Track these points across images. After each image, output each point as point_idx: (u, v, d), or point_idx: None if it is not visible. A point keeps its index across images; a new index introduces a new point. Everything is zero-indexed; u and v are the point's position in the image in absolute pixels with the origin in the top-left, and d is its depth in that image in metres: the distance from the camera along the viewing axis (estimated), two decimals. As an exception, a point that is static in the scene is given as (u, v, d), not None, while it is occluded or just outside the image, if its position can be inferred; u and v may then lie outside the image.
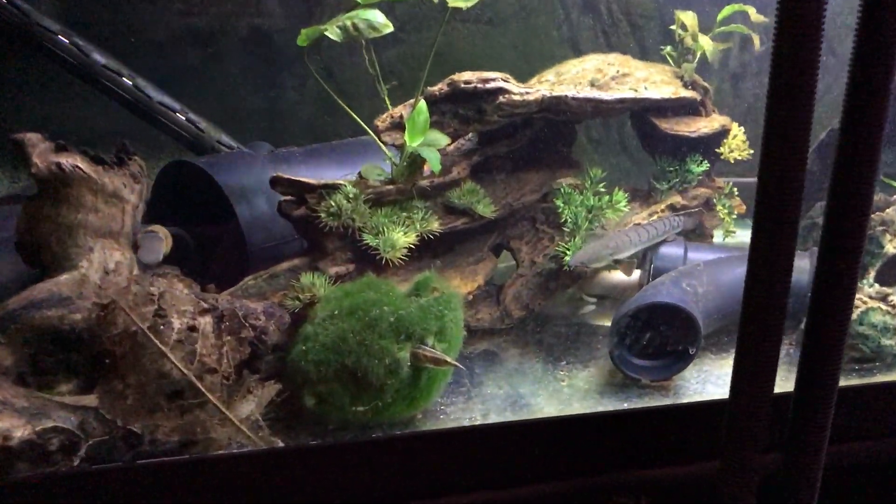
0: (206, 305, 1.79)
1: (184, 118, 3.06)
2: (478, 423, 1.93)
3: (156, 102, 2.99)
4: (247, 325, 1.78)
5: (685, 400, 2.13)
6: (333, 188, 2.11)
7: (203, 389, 1.65)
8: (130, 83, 2.95)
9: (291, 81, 3.43)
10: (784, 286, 1.32)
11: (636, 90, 2.54)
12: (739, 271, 2.46)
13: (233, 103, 3.42)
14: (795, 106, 1.17)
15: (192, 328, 1.73)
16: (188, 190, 2.50)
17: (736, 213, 3.22)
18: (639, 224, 2.67)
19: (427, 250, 2.35)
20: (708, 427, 1.65)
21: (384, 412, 1.82)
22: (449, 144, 2.38)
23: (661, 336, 2.22)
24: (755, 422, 1.34)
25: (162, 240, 1.75)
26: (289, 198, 2.13)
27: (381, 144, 2.31)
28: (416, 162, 2.21)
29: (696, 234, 3.14)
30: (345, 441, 1.74)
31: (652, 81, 2.64)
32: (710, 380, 2.24)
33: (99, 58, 2.90)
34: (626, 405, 2.08)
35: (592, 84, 2.55)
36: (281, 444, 1.70)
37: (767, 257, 1.27)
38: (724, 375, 2.24)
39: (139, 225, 1.82)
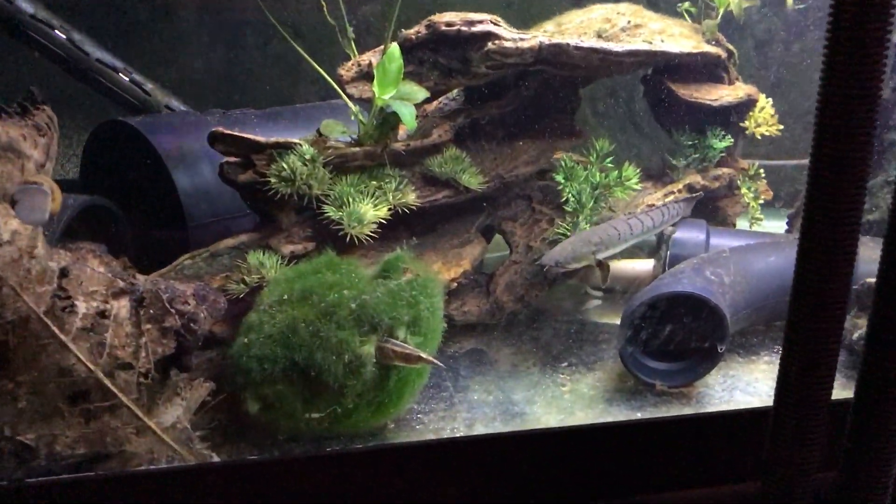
0: (122, 286, 1.55)
1: (127, 79, 2.85)
2: (461, 434, 1.79)
3: (93, 60, 2.77)
4: (172, 310, 1.55)
5: (710, 409, 1.98)
6: (286, 148, 1.88)
7: (114, 389, 1.46)
8: (63, 37, 2.72)
9: (254, 40, 3.22)
10: (849, 259, 1.12)
11: (650, 42, 2.30)
12: (772, 260, 2.30)
13: (186, 64, 3.21)
14: (860, 75, 0.95)
15: (103, 314, 1.51)
16: (122, 155, 2.31)
17: (763, 198, 3.03)
18: (629, 214, 2.41)
19: (402, 229, 2.13)
20: (744, 442, 1.53)
21: (344, 420, 1.66)
22: (428, 103, 2.15)
23: (680, 334, 2.04)
24: (806, 434, 1.18)
25: (47, 194, 1.50)
26: (233, 159, 1.89)
27: (346, 99, 2.08)
28: (388, 120, 1.97)
29: (719, 222, 2.94)
30: (296, 455, 1.59)
31: (669, 34, 2.41)
32: (737, 386, 2.10)
33: (25, 5, 2.66)
34: (639, 415, 1.93)
35: (599, 35, 2.31)
36: (216, 459, 1.55)
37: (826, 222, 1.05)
38: (755, 382, 2.13)
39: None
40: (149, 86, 2.86)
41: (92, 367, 1.45)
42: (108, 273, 1.59)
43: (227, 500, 1.36)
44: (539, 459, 1.47)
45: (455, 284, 2.21)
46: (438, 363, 1.69)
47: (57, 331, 1.43)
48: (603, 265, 2.23)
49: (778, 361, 2.44)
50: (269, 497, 1.37)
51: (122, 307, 1.53)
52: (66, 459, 1.41)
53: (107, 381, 1.46)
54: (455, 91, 2.34)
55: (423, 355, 1.65)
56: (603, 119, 3.58)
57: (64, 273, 1.50)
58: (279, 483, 1.37)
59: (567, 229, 2.37)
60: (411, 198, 2.05)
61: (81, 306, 1.48)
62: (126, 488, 1.34)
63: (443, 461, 1.44)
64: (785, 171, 3.56)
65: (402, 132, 2.11)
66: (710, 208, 2.94)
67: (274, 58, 3.24)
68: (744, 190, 2.99)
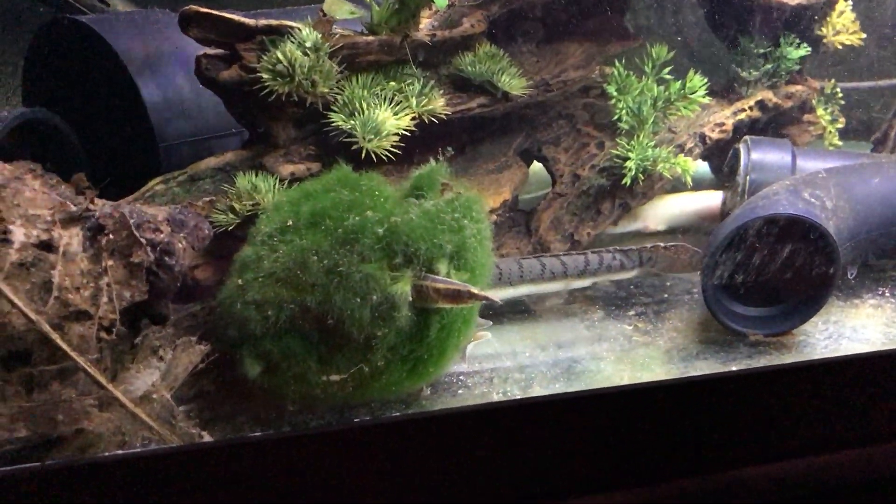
0: (73, 211, 1.28)
1: (78, -15, 2.60)
2: (517, 397, 1.67)
3: (29, -42, 2.51)
4: (141, 241, 1.27)
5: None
6: (281, 34, 1.63)
7: (65, 347, 1.26)
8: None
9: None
10: None
11: None
12: (876, 183, 2.05)
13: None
14: None
15: (48, 245, 1.29)
16: (74, 62, 2.09)
17: (839, 123, 2.81)
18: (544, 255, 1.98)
19: (427, 147, 1.90)
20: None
21: (372, 383, 1.51)
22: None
23: (779, 269, 1.89)
24: None
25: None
26: (213, 51, 1.62)
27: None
28: (407, 2, 1.72)
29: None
30: (311, 430, 1.50)
31: None
32: (843, 333, 1.95)
33: None
34: (734, 368, 1.78)
35: None
36: (208, 439, 1.41)
37: None
38: (862, 328, 1.97)
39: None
40: (108, -6, 2.60)
41: (33, 316, 1.24)
42: (53, 195, 1.31)
43: (222, 490, 1.21)
44: (617, 426, 1.34)
45: (493, 219, 1.99)
46: (495, 299, 1.49)
47: (-18, 268, 1.23)
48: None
49: (886, 304, 2.15)
50: (277, 484, 1.23)
51: (73, 237, 1.31)
52: (0, 446, 1.25)
53: (54, 336, 1.25)
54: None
55: (475, 290, 1.43)
56: (646, 35, 3.30)
57: (-8, 193, 1.24)
58: (290, 466, 1.24)
59: (626, 149, 2.09)
60: (440, 104, 1.83)
61: (18, 234, 1.26)
62: (86, 481, 1.17)
63: (496, 433, 1.31)
64: (857, 95, 3.30)
65: (423, 23, 1.82)
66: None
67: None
68: (819, 111, 2.81)
